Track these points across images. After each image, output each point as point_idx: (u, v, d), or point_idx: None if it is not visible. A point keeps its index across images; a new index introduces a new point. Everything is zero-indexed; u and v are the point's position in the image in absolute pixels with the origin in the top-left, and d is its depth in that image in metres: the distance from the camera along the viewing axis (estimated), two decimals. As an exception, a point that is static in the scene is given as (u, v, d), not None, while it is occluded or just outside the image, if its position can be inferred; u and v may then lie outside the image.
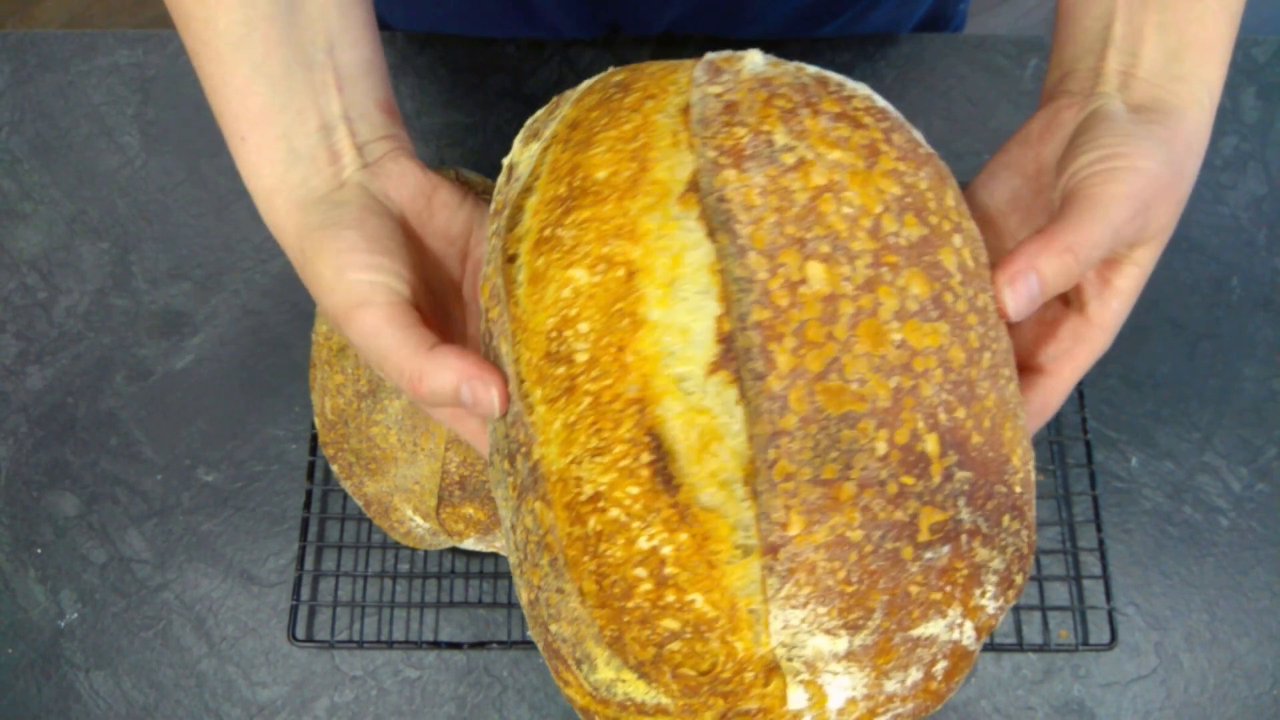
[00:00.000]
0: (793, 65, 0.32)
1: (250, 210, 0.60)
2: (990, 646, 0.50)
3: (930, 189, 0.31)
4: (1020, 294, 0.31)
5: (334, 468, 0.51)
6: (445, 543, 0.50)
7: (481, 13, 0.64)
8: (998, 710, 0.49)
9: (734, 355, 0.27)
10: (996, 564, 0.29)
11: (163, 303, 0.58)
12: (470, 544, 0.50)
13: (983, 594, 0.29)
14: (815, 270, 0.28)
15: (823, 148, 0.29)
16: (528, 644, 0.50)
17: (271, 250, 0.59)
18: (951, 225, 0.31)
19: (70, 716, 0.51)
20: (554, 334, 0.29)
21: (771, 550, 0.27)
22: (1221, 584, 0.51)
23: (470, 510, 0.49)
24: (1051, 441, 0.53)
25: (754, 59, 0.32)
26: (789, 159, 0.29)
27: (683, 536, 0.27)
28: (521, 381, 0.30)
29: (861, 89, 0.32)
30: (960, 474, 0.28)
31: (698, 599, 0.28)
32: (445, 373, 0.31)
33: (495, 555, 0.52)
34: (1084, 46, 0.37)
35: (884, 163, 0.30)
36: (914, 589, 0.28)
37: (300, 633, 0.51)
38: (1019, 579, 0.30)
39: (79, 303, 0.58)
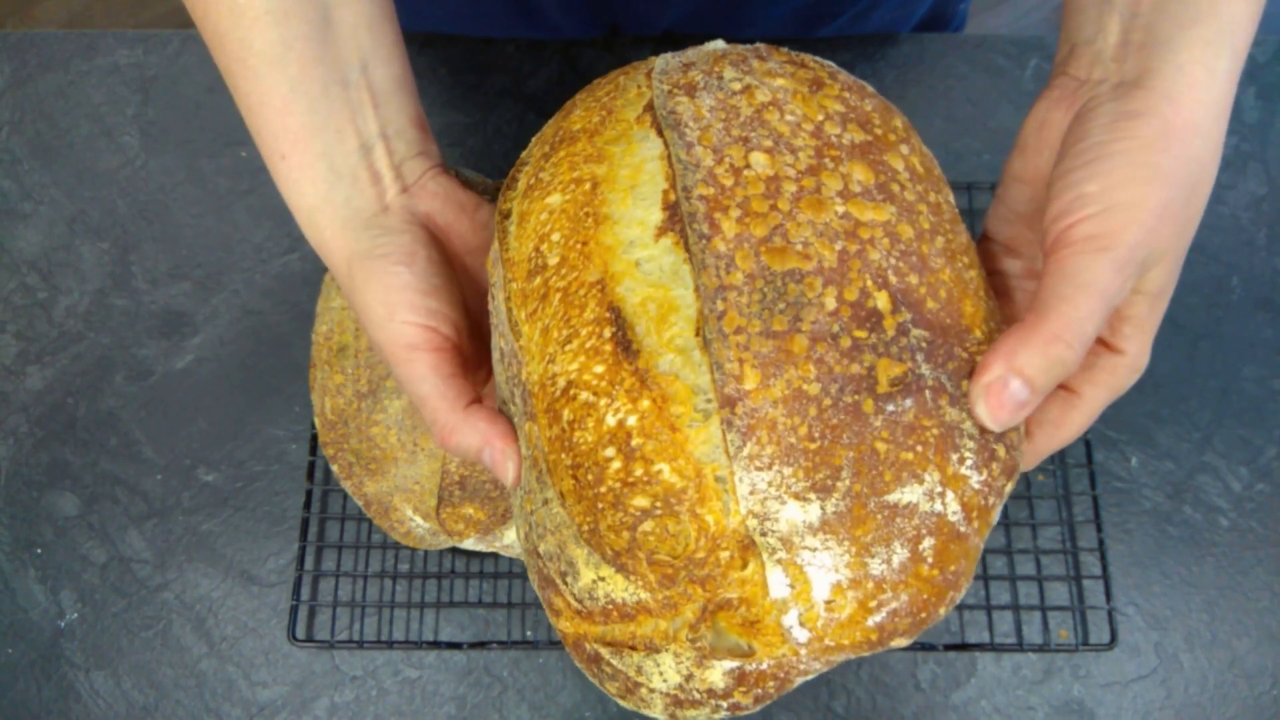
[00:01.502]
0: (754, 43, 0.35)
1: (250, 210, 0.60)
2: (990, 646, 0.50)
3: (875, 112, 0.33)
4: (999, 404, 0.28)
5: (334, 468, 0.51)
6: (445, 543, 0.50)
7: (481, 13, 0.64)
8: (998, 710, 0.49)
9: (679, 219, 0.29)
10: (969, 427, 0.29)
11: (163, 303, 0.58)
12: (470, 544, 0.50)
13: (961, 460, 0.29)
14: (758, 158, 0.30)
15: (767, 78, 0.32)
16: (528, 644, 0.50)
17: (271, 250, 0.59)
18: (898, 138, 0.32)
19: (70, 716, 0.51)
20: (533, 253, 0.32)
21: (729, 403, 0.27)
22: (1221, 584, 0.51)
23: (470, 510, 0.49)
24: (1051, 441, 0.53)
25: (717, 43, 0.35)
26: (736, 86, 0.32)
27: (645, 403, 0.28)
28: (509, 311, 0.32)
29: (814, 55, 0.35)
30: (916, 331, 0.29)
31: (664, 469, 0.28)
32: (473, 435, 0.33)
33: (495, 555, 0.52)
34: (1086, 11, 0.34)
35: (829, 90, 0.32)
36: (881, 446, 0.28)
37: (300, 633, 0.51)
38: (1000, 451, 0.29)
39: (79, 303, 0.58)
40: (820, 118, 0.31)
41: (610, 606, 0.30)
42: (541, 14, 0.63)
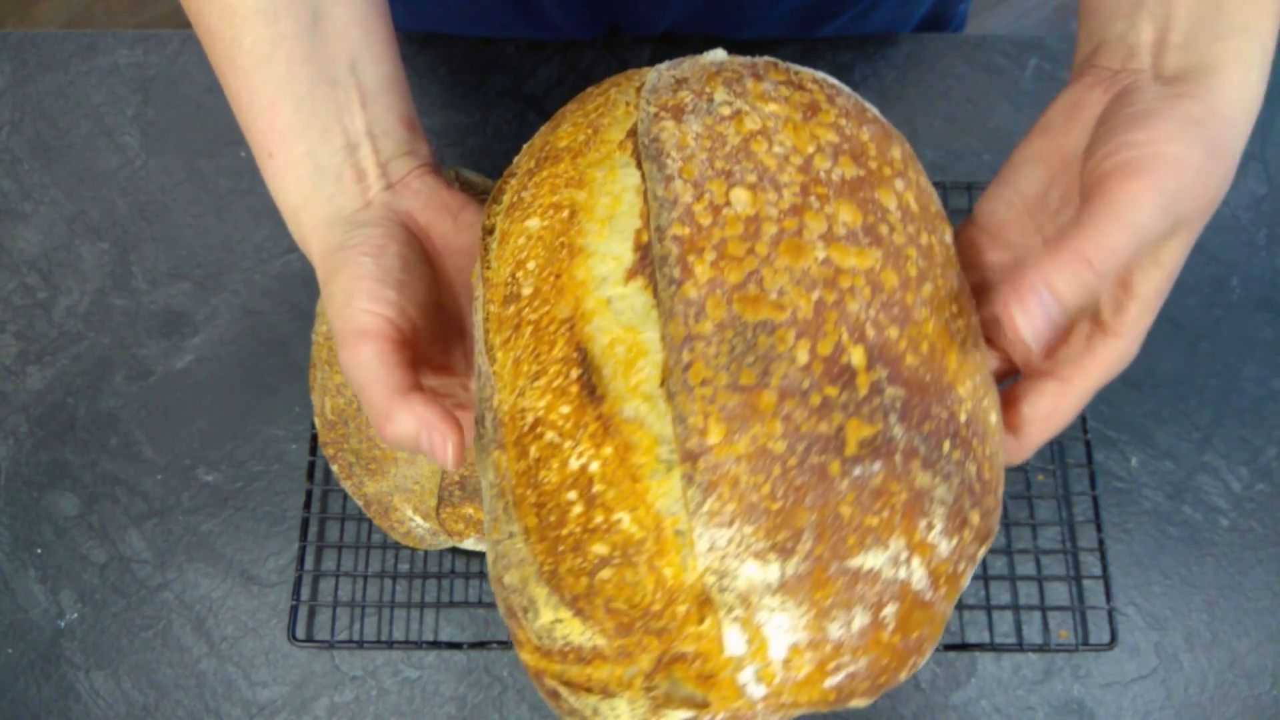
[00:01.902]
0: (752, 57, 0.33)
1: (250, 210, 0.60)
2: (990, 646, 0.50)
3: (872, 140, 0.31)
4: (1034, 313, 0.27)
5: (334, 468, 0.51)
6: (445, 543, 0.50)
7: (481, 13, 0.64)
8: (998, 710, 0.49)
9: (649, 261, 0.28)
10: (941, 493, 0.28)
11: (163, 303, 0.58)
12: (470, 544, 0.50)
13: (929, 527, 0.27)
14: (740, 195, 0.29)
15: (760, 102, 0.30)
16: (528, 644, 0.50)
17: (271, 250, 0.59)
18: (894, 171, 0.31)
19: (70, 716, 0.51)
20: (509, 279, 0.31)
21: (690, 457, 0.26)
22: (1221, 584, 0.51)
23: (470, 510, 0.49)
24: (1051, 441, 0.53)
25: (717, 54, 0.33)
26: (726, 111, 0.30)
27: (607, 450, 0.28)
28: (486, 333, 0.32)
29: (814, 71, 0.33)
30: (891, 389, 0.27)
31: (624, 518, 0.28)
32: (409, 419, 0.32)
33: (495, 555, 0.52)
34: (1113, 12, 0.33)
35: (823, 117, 0.31)
36: (846, 510, 0.26)
37: (300, 633, 0.51)
38: (975, 517, 0.28)
39: (79, 303, 0.58)
40: (810, 150, 0.30)
41: (567, 648, 0.30)
42: (541, 14, 0.63)
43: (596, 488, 0.28)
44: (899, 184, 0.31)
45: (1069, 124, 0.33)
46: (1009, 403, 0.33)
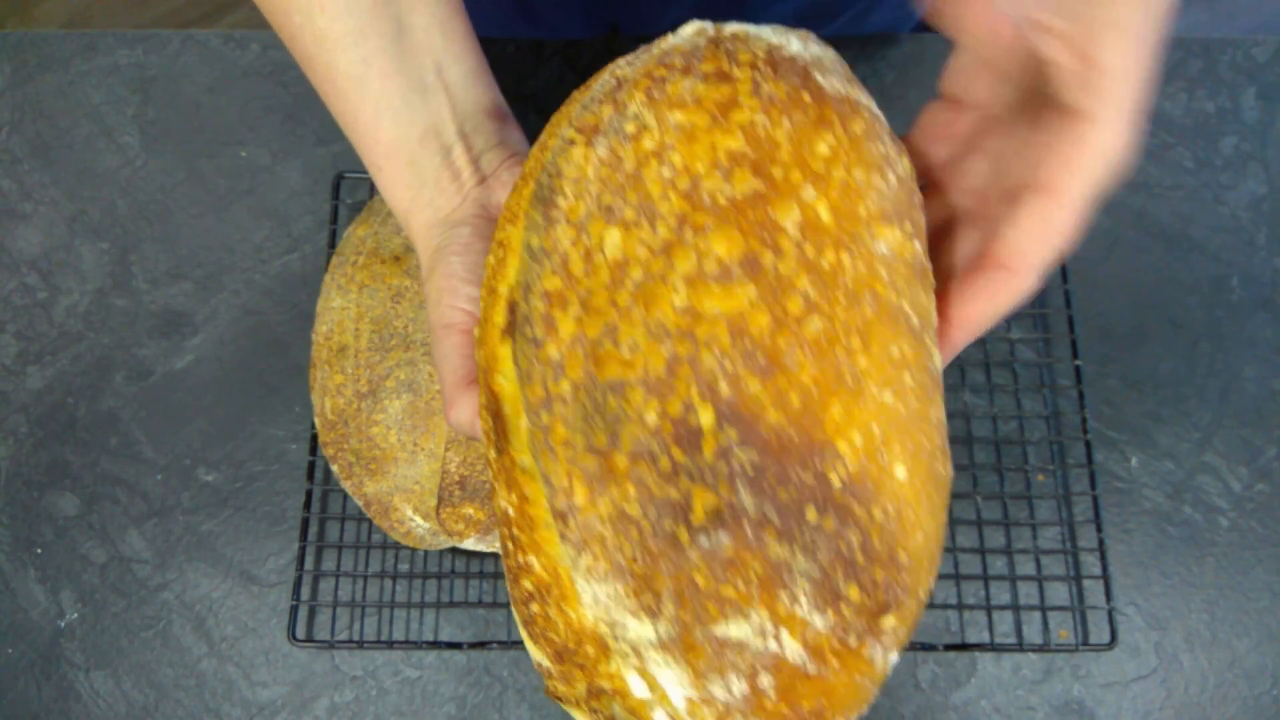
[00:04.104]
0: (718, 27, 0.30)
1: (250, 210, 0.60)
2: (990, 646, 0.50)
3: (790, 138, 0.27)
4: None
5: (334, 468, 0.51)
6: (445, 543, 0.50)
7: (481, 13, 0.64)
8: (998, 710, 0.49)
9: (514, 323, 0.28)
10: (804, 566, 0.25)
11: (163, 303, 0.58)
12: (470, 544, 0.50)
13: (792, 599, 0.26)
14: (613, 237, 0.27)
15: (668, 111, 0.28)
16: (528, 644, 0.50)
17: (271, 250, 0.59)
18: (807, 176, 0.27)
19: (70, 716, 0.51)
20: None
21: (560, 517, 0.26)
22: (1221, 584, 0.51)
23: (470, 510, 0.49)
24: (1052, 441, 0.53)
25: (684, 31, 0.31)
26: (631, 128, 0.28)
27: (514, 498, 0.28)
28: None
29: (775, 38, 0.30)
30: (742, 453, 0.25)
31: (534, 562, 0.28)
32: (467, 408, 0.34)
33: (495, 555, 0.52)
34: None
35: (736, 116, 0.27)
36: (700, 579, 0.25)
37: (300, 633, 0.51)
38: (851, 592, 0.26)
39: (79, 303, 0.58)
40: (701, 168, 0.27)
41: (538, 665, 0.31)
42: (541, 14, 0.63)
43: (514, 530, 0.29)
44: (808, 192, 0.27)
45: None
46: (992, 235, 0.29)
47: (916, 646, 0.50)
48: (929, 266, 0.29)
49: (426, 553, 0.52)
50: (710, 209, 0.26)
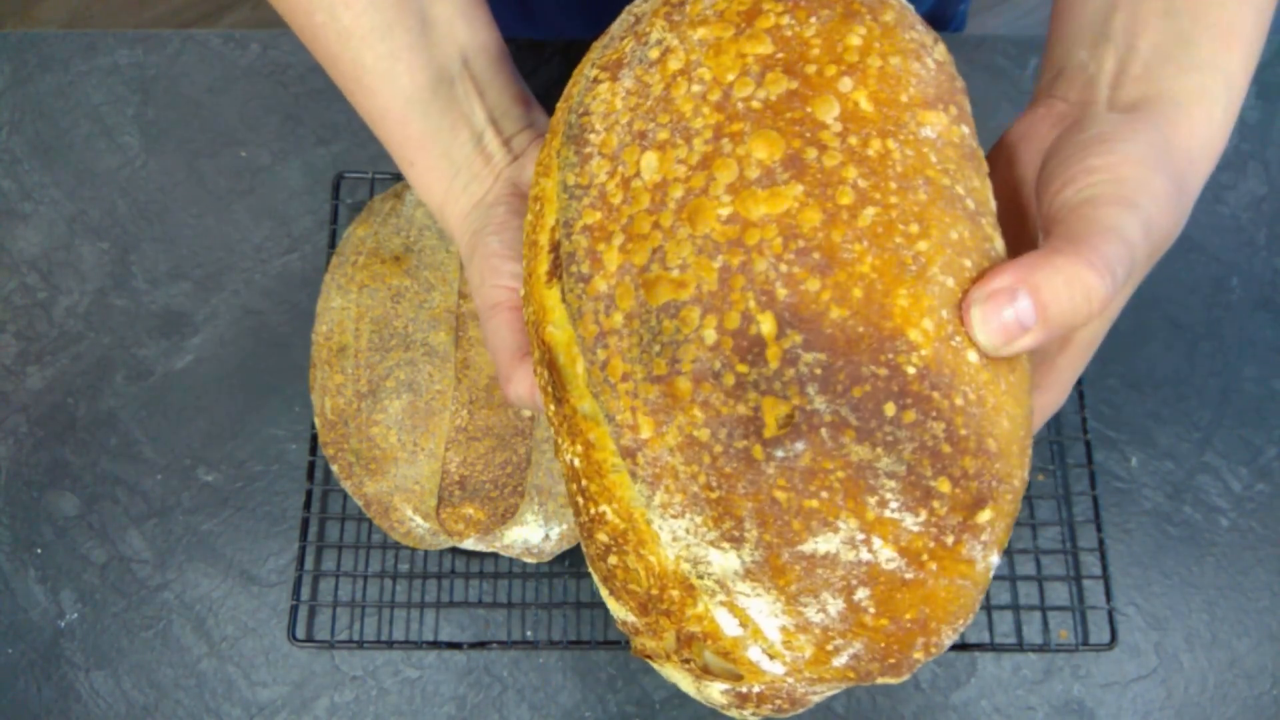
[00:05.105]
0: None
1: (250, 210, 0.60)
2: (990, 646, 0.50)
3: (820, 34, 0.26)
4: (993, 320, 0.23)
5: (334, 468, 0.51)
6: (445, 543, 0.50)
7: (481, 13, 0.64)
8: (998, 710, 0.49)
9: (559, 262, 0.27)
10: (888, 464, 0.24)
11: (163, 303, 0.58)
12: (470, 544, 0.50)
13: (881, 503, 0.24)
14: (649, 160, 0.26)
15: (690, 30, 0.27)
16: (528, 644, 0.50)
17: (271, 250, 0.59)
18: (842, 69, 0.26)
19: (70, 716, 0.51)
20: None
21: (629, 454, 0.26)
22: (1221, 584, 0.51)
23: (470, 510, 0.49)
24: (1051, 441, 0.53)
25: None
26: (655, 54, 0.27)
27: (578, 447, 0.28)
28: None
29: None
30: (808, 355, 0.24)
31: (607, 511, 0.27)
32: (524, 382, 0.33)
33: (495, 555, 0.52)
34: (1077, 40, 0.31)
35: (761, 22, 0.26)
36: (780, 495, 0.24)
37: (300, 633, 0.51)
38: (943, 485, 0.25)
39: (79, 303, 0.58)
40: (731, 77, 0.26)
41: (624, 624, 0.31)
42: (541, 14, 0.63)
43: (582, 482, 0.28)
44: (845, 84, 0.25)
45: (1017, 155, 0.32)
46: None
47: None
48: (979, 150, 0.28)
49: (426, 553, 0.52)
50: (745, 115, 0.25)
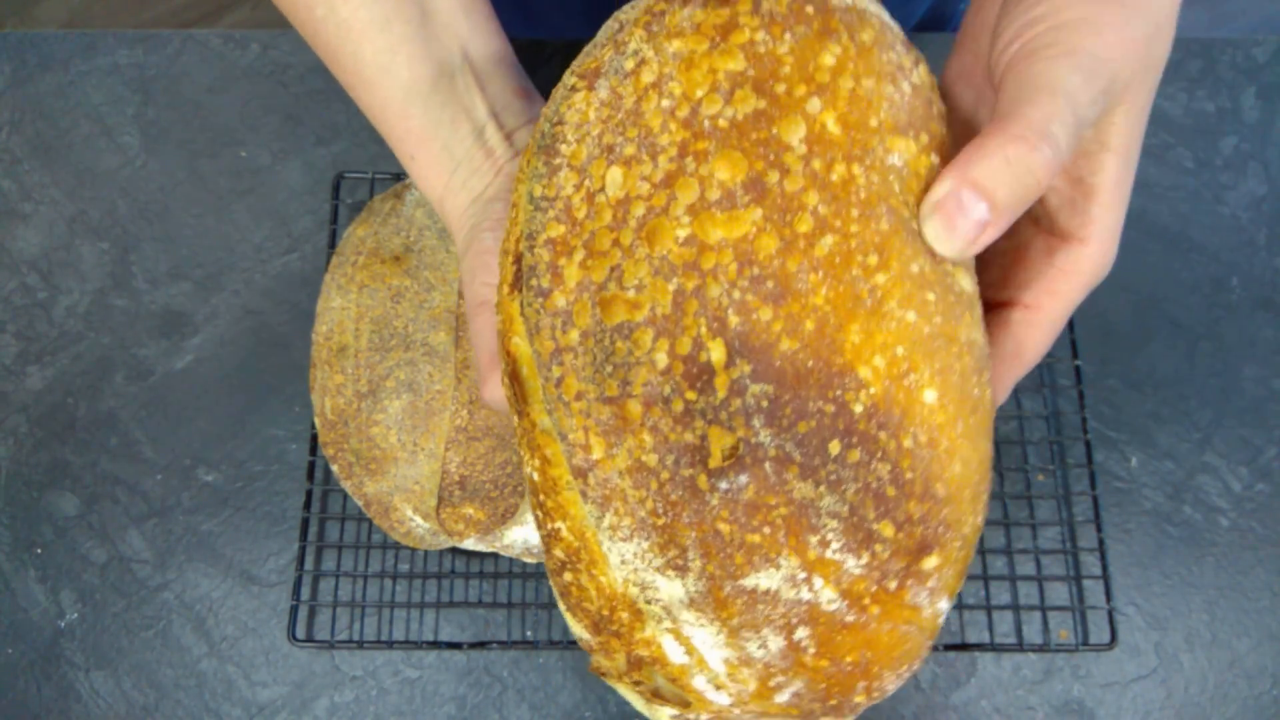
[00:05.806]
0: None
1: (250, 210, 0.60)
2: (990, 646, 0.50)
3: (793, 51, 0.25)
4: (949, 225, 0.23)
5: (334, 468, 0.51)
6: (445, 543, 0.50)
7: (481, 13, 0.64)
8: (998, 710, 0.49)
9: (521, 275, 0.27)
10: (830, 504, 0.24)
11: (163, 303, 0.58)
12: (470, 544, 0.50)
13: (822, 543, 0.24)
14: (614, 175, 0.25)
15: (666, 41, 0.26)
16: (528, 644, 0.50)
17: (271, 250, 0.59)
18: (812, 89, 0.25)
19: (70, 716, 0.51)
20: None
21: (580, 474, 0.25)
22: (1221, 584, 0.51)
23: (470, 510, 0.49)
24: (1051, 441, 0.53)
25: None
26: (630, 64, 0.26)
27: (536, 461, 0.27)
28: None
29: None
30: (756, 387, 0.24)
31: (561, 527, 0.27)
32: (499, 386, 0.33)
33: (495, 555, 0.52)
34: None
35: (736, 37, 0.26)
36: (724, 527, 0.24)
37: (300, 633, 0.51)
38: (885, 529, 0.24)
39: (79, 303, 0.58)
40: (700, 93, 0.25)
41: (579, 640, 0.30)
42: (541, 14, 0.63)
43: (540, 496, 0.28)
44: (814, 105, 0.25)
45: (979, 29, 0.30)
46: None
47: (916, 646, 0.50)
48: None
49: (426, 553, 0.52)
50: (711, 134, 0.25)
